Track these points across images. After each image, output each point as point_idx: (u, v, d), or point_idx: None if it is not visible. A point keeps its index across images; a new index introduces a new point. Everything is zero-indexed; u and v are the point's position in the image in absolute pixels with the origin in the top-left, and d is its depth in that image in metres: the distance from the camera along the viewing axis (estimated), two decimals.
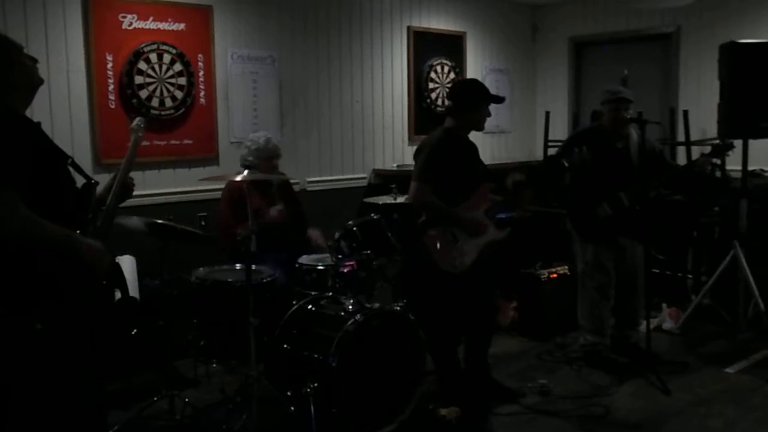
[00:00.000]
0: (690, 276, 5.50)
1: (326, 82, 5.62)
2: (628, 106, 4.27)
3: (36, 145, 2.23)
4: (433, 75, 6.33)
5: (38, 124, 2.36)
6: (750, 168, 4.96)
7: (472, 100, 3.77)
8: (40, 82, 2.43)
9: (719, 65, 4.72)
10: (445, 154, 3.71)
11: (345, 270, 3.68)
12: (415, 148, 3.93)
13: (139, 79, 4.57)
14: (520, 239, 4.25)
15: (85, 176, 2.48)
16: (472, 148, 3.96)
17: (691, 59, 6.15)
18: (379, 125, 6.02)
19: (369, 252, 3.63)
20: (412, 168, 3.82)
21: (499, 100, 3.86)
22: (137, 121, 3.07)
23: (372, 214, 3.81)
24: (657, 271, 5.46)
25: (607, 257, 4.35)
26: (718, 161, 5.18)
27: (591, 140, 4.35)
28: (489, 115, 3.84)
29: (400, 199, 4.67)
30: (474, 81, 3.94)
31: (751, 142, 4.83)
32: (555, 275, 5.07)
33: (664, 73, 6.39)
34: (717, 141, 4.99)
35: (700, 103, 5.63)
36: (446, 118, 3.86)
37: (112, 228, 2.58)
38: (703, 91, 5.70)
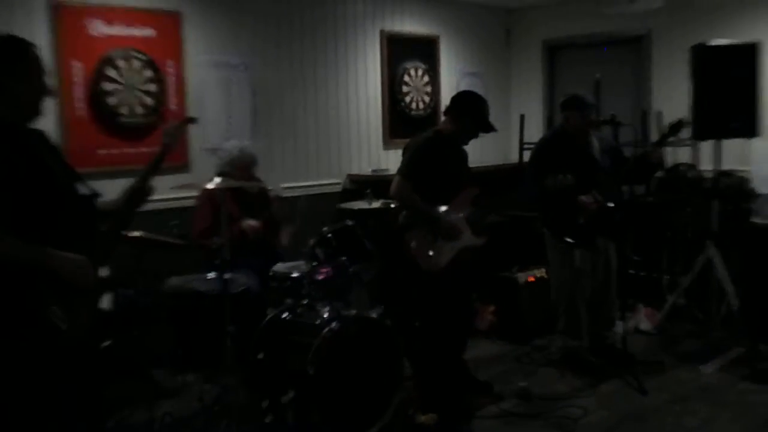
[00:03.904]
0: (666, 276, 5.55)
1: (300, 87, 5.61)
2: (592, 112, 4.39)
3: (20, 155, 2.17)
4: (407, 78, 6.33)
5: (36, 132, 2.30)
6: (722, 168, 5.01)
7: (473, 115, 3.88)
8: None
9: (690, 67, 4.77)
10: (431, 154, 3.80)
11: (320, 277, 3.67)
12: (390, 152, 3.97)
13: (108, 86, 4.52)
14: (496, 243, 4.27)
15: (89, 188, 2.44)
16: (461, 154, 4.05)
17: (662, 61, 6.21)
18: (354, 130, 6.00)
19: (345, 258, 3.62)
20: (387, 173, 3.85)
21: (492, 129, 3.96)
22: (175, 124, 2.88)
23: (347, 220, 3.82)
24: (632, 271, 5.51)
25: (585, 260, 4.38)
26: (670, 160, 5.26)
27: (561, 146, 4.38)
28: (476, 136, 3.96)
29: (375, 205, 4.68)
30: (484, 101, 4.00)
31: (723, 143, 4.89)
32: (532, 279, 5.10)
33: (636, 76, 6.45)
34: (690, 141, 5.08)
35: (673, 105, 5.69)
36: (442, 119, 4.00)
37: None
38: (674, 92, 5.75)
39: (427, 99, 6.51)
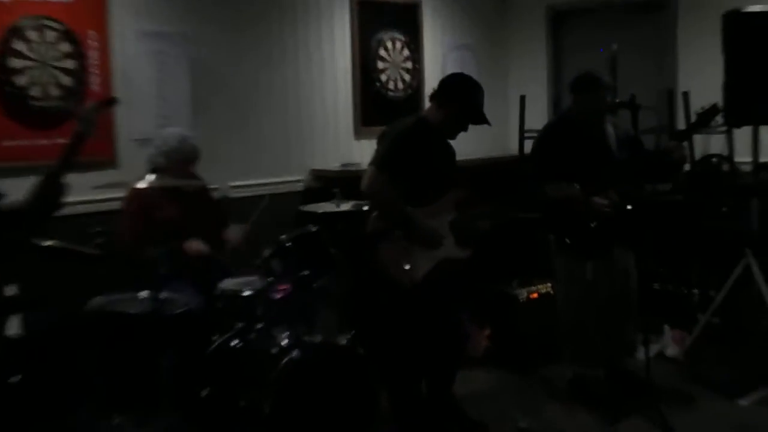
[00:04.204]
0: (696, 291, 5.65)
1: (251, 63, 5.62)
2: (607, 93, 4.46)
3: None
4: (383, 52, 6.38)
5: None
6: (762, 160, 5.09)
7: (462, 104, 3.97)
8: None
9: (723, 38, 4.85)
10: (412, 145, 3.87)
11: (278, 295, 3.69)
12: (362, 143, 4.03)
13: (15, 63, 4.53)
14: (492, 252, 4.33)
15: None
16: (448, 149, 4.13)
17: (690, 31, 6.29)
18: (319, 116, 6.03)
19: (307, 272, 3.65)
20: (359, 168, 3.90)
21: (485, 121, 4.03)
22: (92, 106, 2.86)
23: (310, 226, 3.84)
24: (656, 286, 5.61)
25: (599, 273, 4.44)
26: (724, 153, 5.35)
27: (569, 135, 4.45)
28: (465, 129, 4.05)
29: (345, 207, 4.72)
30: (477, 88, 4.08)
31: (764, 129, 4.98)
32: (535, 295, 5.17)
33: (660, 49, 6.53)
34: (723, 128, 5.17)
35: (702, 84, 5.75)
36: (428, 107, 4.07)
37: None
38: (704, 69, 5.82)
39: (407, 78, 6.57)
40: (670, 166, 4.42)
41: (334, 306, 3.89)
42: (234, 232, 4.42)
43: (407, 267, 3.81)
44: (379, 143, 3.98)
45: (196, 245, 4.19)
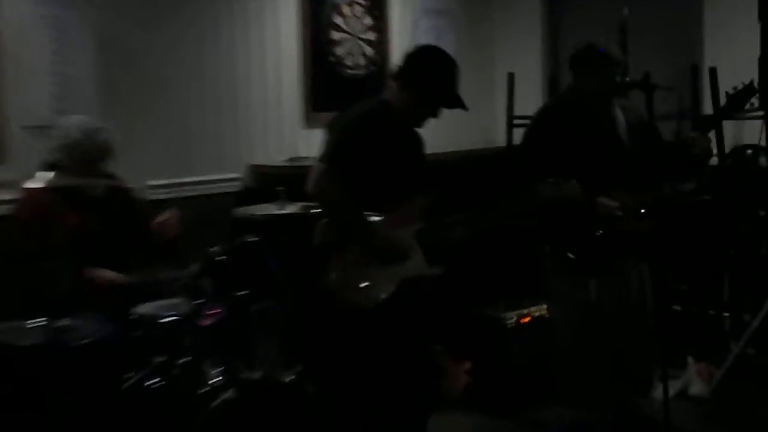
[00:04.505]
0: (726, 315, 5.69)
1: (173, 35, 5.61)
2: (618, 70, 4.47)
3: None
4: (338, 20, 6.39)
5: None
6: None
7: (430, 84, 3.96)
8: None
9: (759, 3, 4.90)
10: (371, 135, 3.85)
11: (208, 322, 3.67)
12: (313, 132, 4.01)
13: None
14: (473, 267, 4.33)
15: None
16: (416, 141, 4.13)
17: None
18: (259, 100, 6.05)
19: (245, 292, 3.63)
20: (308, 163, 3.89)
21: (460, 105, 4.05)
22: None
23: (248, 235, 3.83)
24: (678, 308, 5.66)
25: (606, 292, 4.47)
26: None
27: (569, 122, 4.47)
28: (435, 115, 4.06)
29: (291, 210, 4.72)
30: (449, 64, 4.09)
31: None
32: (527, 319, 5.20)
33: (681, 15, 6.61)
34: (760, 112, 5.21)
35: (733, 59, 5.81)
36: (387, 87, 4.06)
37: None
38: (735, 41, 5.89)
39: (369, 51, 6.60)
40: (693, 162, 4.43)
41: (277, 334, 3.87)
42: (168, 222, 4.43)
43: (365, 287, 3.81)
44: (328, 134, 3.96)
45: (105, 275, 4.16)
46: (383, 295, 3.84)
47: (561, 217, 4.42)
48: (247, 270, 3.73)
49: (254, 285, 3.70)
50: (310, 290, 3.90)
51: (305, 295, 3.94)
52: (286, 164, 5.93)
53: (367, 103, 4.02)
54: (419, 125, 4.11)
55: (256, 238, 3.84)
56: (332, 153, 3.82)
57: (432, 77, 3.98)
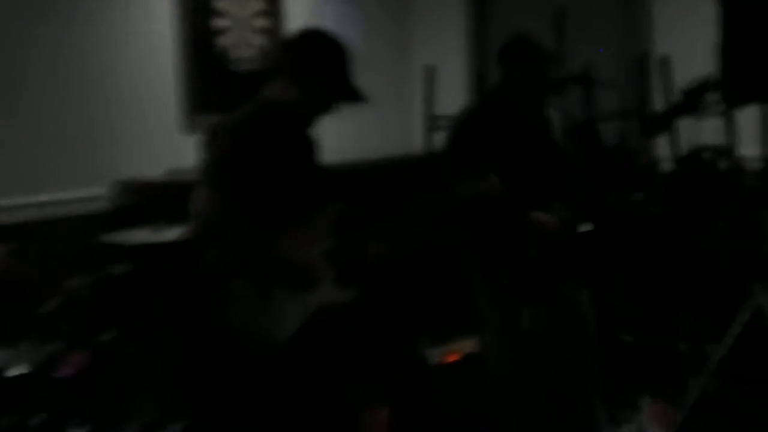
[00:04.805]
0: (685, 345, 5.82)
1: (22, 20, 5.60)
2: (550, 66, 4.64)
3: None
4: (223, 5, 6.48)
5: None
6: None
7: (322, 73, 4.00)
8: None
9: None
10: (259, 144, 3.84)
11: (68, 371, 3.68)
12: (195, 137, 4.00)
13: None
14: (392, 294, 4.41)
15: None
16: (309, 144, 4.15)
17: None
18: (129, 102, 6.06)
19: (114, 334, 3.62)
20: (191, 175, 3.84)
21: (358, 96, 4.11)
22: None
23: (118, 265, 3.79)
24: (627, 338, 5.79)
25: (542, 322, 4.65)
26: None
27: (497, 124, 4.61)
28: (329, 110, 4.09)
29: (171, 235, 4.74)
30: (340, 48, 4.11)
31: None
32: (456, 356, 5.31)
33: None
34: (719, 110, 5.37)
35: (688, 47, 5.92)
36: (270, 82, 4.07)
37: None
38: (691, 27, 6.08)
39: (261, 41, 6.70)
40: (637, 174, 4.55)
41: (159, 383, 3.85)
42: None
43: (268, 323, 3.83)
44: (207, 147, 3.90)
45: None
46: (291, 331, 3.85)
47: (488, 235, 4.57)
48: (117, 307, 3.68)
49: (126, 324, 3.67)
50: (201, 328, 3.90)
51: (194, 335, 3.95)
52: (164, 177, 5.87)
53: (249, 105, 3.97)
54: (312, 125, 4.13)
55: (129, 268, 3.77)
56: (213, 172, 3.79)
57: (321, 65, 4.00)
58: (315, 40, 4.09)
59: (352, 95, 4.07)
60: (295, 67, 4.00)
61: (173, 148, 6.19)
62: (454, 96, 6.67)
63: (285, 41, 4.18)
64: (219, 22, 6.52)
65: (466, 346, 5.38)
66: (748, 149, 5.58)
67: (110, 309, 3.78)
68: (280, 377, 3.90)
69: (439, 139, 5.19)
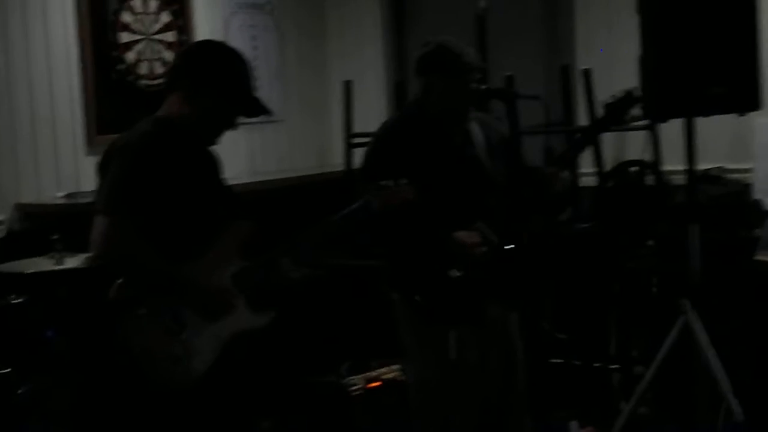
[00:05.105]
0: (614, 367, 5.79)
1: None
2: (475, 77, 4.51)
3: None
4: (127, 18, 6.37)
5: None
6: (701, 167, 5.26)
7: (219, 86, 3.87)
8: None
9: None
10: (158, 166, 3.73)
11: None
12: (100, 159, 3.91)
13: None
14: (308, 319, 4.29)
15: None
16: (210, 162, 4.04)
17: None
18: (26, 120, 5.97)
19: (7, 370, 3.55)
20: (93, 199, 3.78)
21: (261, 109, 3.99)
22: None
23: (11, 296, 3.74)
24: (556, 360, 5.72)
25: (467, 347, 4.48)
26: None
27: (417, 139, 4.51)
28: (234, 126, 3.98)
29: (71, 263, 4.63)
30: (239, 60, 4.01)
31: (701, 124, 5.17)
32: (376, 384, 5.20)
33: (549, 8, 6.77)
34: (644, 123, 5.33)
35: (611, 59, 5.94)
36: (166, 100, 3.94)
37: None
38: (613, 38, 6.02)
39: (169, 56, 6.56)
40: (550, 199, 4.53)
41: (56, 424, 3.75)
42: None
43: (177, 355, 3.71)
44: (101, 173, 3.82)
45: None
46: (204, 365, 3.75)
47: (408, 255, 4.47)
48: (11, 342, 3.62)
49: (20, 362, 3.59)
50: (103, 363, 3.78)
51: (96, 370, 3.80)
52: (64, 201, 5.82)
53: (142, 124, 3.88)
54: (213, 142, 4.03)
55: (22, 299, 3.72)
56: (109, 199, 3.68)
57: (212, 79, 3.89)
58: (206, 54, 4.03)
59: (252, 109, 3.98)
60: (186, 81, 3.89)
61: (74, 170, 6.17)
62: (373, 112, 6.60)
63: (181, 55, 4.12)
64: (123, 37, 6.40)
65: (386, 373, 5.30)
66: (674, 163, 5.59)
67: (3, 344, 3.56)
68: (190, 416, 3.77)
69: (359, 155, 5.07)
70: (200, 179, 3.91)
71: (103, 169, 3.82)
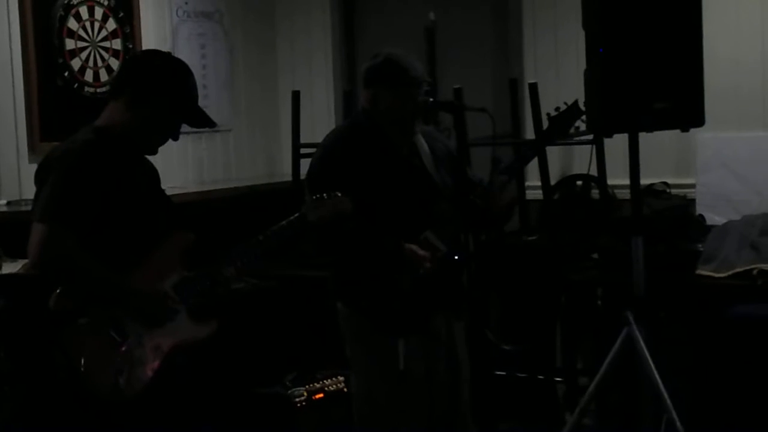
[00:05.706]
0: (559, 379, 5.81)
1: None
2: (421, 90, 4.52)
3: None
4: (73, 25, 6.31)
5: None
6: (645, 182, 5.35)
7: (164, 96, 3.85)
8: None
9: (583, 10, 5.03)
10: (97, 174, 3.71)
11: None
12: (38, 166, 3.88)
13: None
14: (252, 330, 4.26)
15: None
16: (150, 172, 4.04)
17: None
18: None
19: None
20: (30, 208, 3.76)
21: (206, 122, 3.98)
22: None
23: None
24: (500, 372, 5.72)
25: (415, 358, 4.48)
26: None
27: (363, 150, 4.52)
28: (175, 136, 3.98)
29: (11, 268, 4.62)
30: (184, 70, 4.00)
31: (645, 139, 5.19)
32: (320, 395, 5.20)
33: (497, 21, 6.74)
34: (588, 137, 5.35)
35: (557, 73, 5.96)
36: (106, 109, 3.91)
37: None
38: (563, 50, 6.06)
39: (115, 64, 6.49)
40: (491, 218, 4.55)
41: None
42: None
43: (118, 367, 3.66)
44: (39, 182, 3.79)
45: None
46: (144, 376, 3.71)
47: (356, 266, 4.47)
48: None
49: None
50: (43, 375, 3.73)
51: (35, 382, 3.79)
52: (6, 209, 5.80)
53: (80, 132, 3.87)
54: (153, 151, 4.02)
55: None
56: (47, 207, 3.65)
57: (152, 88, 3.87)
58: (150, 63, 4.03)
59: (195, 120, 3.98)
60: (129, 89, 3.87)
61: (16, 177, 6.11)
62: (321, 122, 6.64)
63: (123, 65, 4.00)
64: (68, 45, 6.33)
65: (331, 384, 5.32)
66: (618, 178, 5.65)
67: None
68: (131, 428, 3.75)
69: (306, 166, 5.01)
70: (140, 188, 3.90)
71: (41, 176, 3.80)
